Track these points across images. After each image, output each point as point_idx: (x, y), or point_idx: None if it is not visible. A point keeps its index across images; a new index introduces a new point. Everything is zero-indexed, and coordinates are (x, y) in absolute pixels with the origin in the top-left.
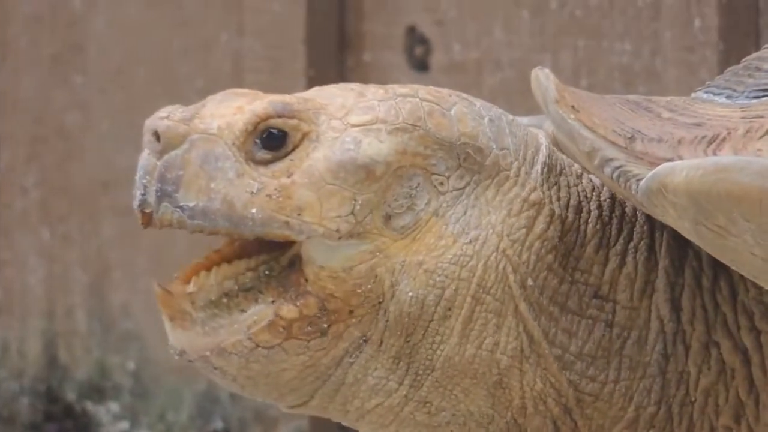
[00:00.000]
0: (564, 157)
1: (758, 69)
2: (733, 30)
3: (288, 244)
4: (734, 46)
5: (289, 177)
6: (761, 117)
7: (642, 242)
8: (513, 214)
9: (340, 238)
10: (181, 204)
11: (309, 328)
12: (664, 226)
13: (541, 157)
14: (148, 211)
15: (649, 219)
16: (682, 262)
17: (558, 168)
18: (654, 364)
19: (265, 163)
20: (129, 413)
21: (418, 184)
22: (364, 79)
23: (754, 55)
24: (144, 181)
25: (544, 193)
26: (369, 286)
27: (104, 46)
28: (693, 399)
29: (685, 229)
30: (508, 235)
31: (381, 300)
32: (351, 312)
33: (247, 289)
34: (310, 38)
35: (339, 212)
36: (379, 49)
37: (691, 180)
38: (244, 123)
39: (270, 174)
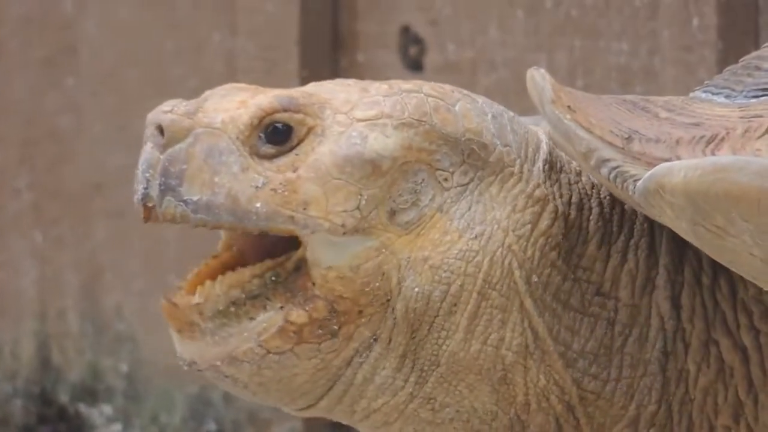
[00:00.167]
0: (563, 154)
1: (757, 68)
2: (732, 29)
3: (291, 247)
4: (733, 45)
5: (294, 171)
6: (760, 116)
7: (642, 239)
8: (518, 210)
9: (345, 233)
10: (184, 198)
11: (319, 331)
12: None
13: (542, 154)
14: (150, 205)
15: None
16: (681, 260)
17: (558, 165)
18: (654, 361)
19: (270, 157)
20: (122, 415)
21: (423, 179)
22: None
23: (753, 54)
24: (147, 174)
25: (547, 189)
26: (377, 284)
27: (96, 48)
28: (692, 397)
29: (683, 230)
30: (513, 231)
31: (389, 297)
32: (360, 312)
33: (255, 296)
34: (303, 38)
35: (345, 207)
36: (372, 49)
37: (689, 180)
38: (249, 117)
39: (275, 168)
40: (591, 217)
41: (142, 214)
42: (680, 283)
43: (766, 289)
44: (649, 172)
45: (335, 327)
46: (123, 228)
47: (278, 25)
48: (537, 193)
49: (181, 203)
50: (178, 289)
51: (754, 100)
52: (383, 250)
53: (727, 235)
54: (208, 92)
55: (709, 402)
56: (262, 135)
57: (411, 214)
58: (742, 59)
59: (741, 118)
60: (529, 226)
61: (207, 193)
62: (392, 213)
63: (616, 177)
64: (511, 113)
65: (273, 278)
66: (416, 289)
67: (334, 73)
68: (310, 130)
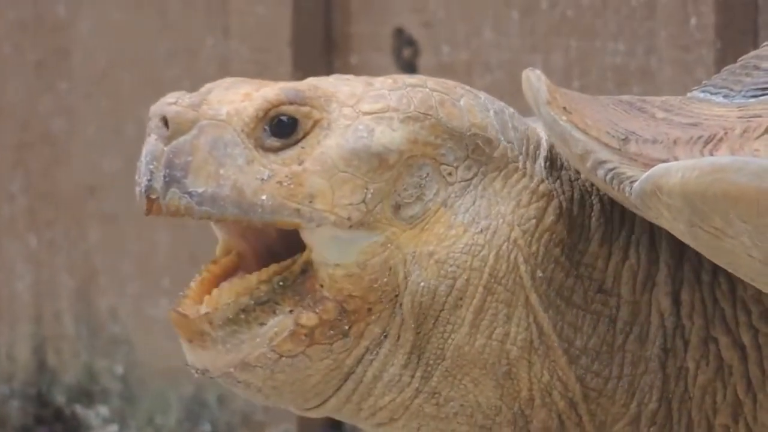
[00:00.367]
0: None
1: (756, 68)
2: (730, 28)
3: (292, 248)
4: (731, 45)
5: (300, 164)
6: (759, 116)
7: (643, 236)
8: (522, 205)
9: (351, 226)
10: (189, 190)
11: (331, 332)
12: None
13: (543, 151)
14: (153, 197)
15: None
16: (681, 257)
17: (559, 163)
18: (655, 359)
19: (275, 150)
20: (118, 417)
21: (428, 174)
22: None
23: (752, 53)
24: (151, 166)
25: (550, 185)
26: (385, 280)
27: (89, 51)
28: (691, 395)
29: (680, 232)
30: (518, 225)
31: (397, 293)
32: (370, 309)
33: (264, 302)
34: (296, 40)
35: (351, 200)
36: (366, 51)
37: (687, 181)
38: (254, 109)
39: (280, 161)
40: (593, 214)
41: (144, 206)
42: (680, 279)
43: (764, 290)
44: (646, 174)
45: (346, 327)
46: (117, 231)
47: (271, 27)
48: (541, 188)
49: (186, 195)
50: (184, 298)
51: (752, 100)
52: (389, 245)
53: (725, 236)
54: (210, 85)
55: (708, 400)
56: (267, 128)
57: (415, 208)
58: (740, 59)
59: (739, 118)
60: (534, 221)
61: (212, 186)
62: (397, 207)
63: (612, 179)
64: (512, 110)
65: (280, 283)
66: (422, 284)
67: (328, 75)
68: (316, 123)
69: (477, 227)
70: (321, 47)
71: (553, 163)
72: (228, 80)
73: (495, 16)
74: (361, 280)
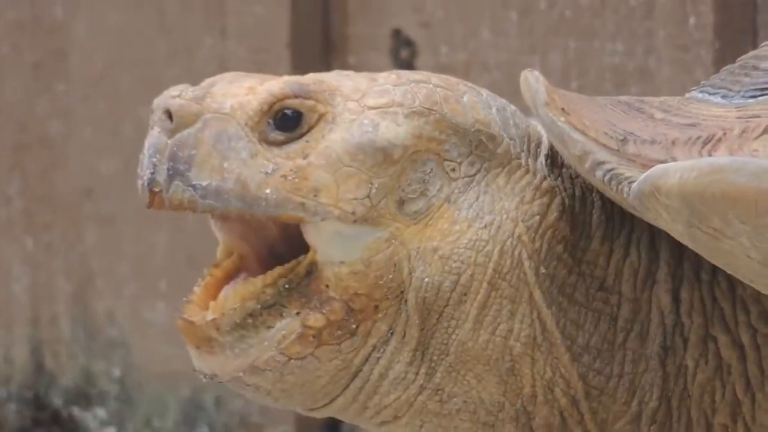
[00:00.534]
0: None
1: (755, 68)
2: (729, 28)
3: (295, 248)
4: (730, 45)
5: (304, 158)
6: (758, 117)
7: (644, 234)
8: (526, 201)
9: (355, 221)
10: (193, 183)
11: (338, 332)
12: None
13: (544, 149)
14: (156, 190)
15: None
16: (681, 255)
17: (559, 161)
18: (655, 356)
19: (279, 144)
20: (115, 419)
21: (431, 169)
22: None
23: (751, 53)
24: (154, 159)
25: (552, 182)
26: (390, 276)
27: (87, 52)
28: (690, 394)
29: (679, 233)
30: (522, 221)
31: (402, 289)
32: (376, 307)
33: (270, 305)
34: (294, 41)
35: (356, 195)
36: (364, 52)
37: (685, 182)
38: (259, 103)
39: (284, 155)
40: (594, 212)
41: (146, 199)
42: (680, 277)
43: (763, 291)
44: (644, 174)
45: (353, 326)
46: (114, 233)
47: (269, 28)
48: (544, 185)
49: (190, 188)
50: (188, 303)
51: (751, 101)
52: (393, 241)
53: (723, 237)
54: (212, 79)
55: (707, 399)
56: (271, 121)
57: (419, 203)
58: (739, 59)
59: (738, 118)
60: (537, 217)
61: (216, 179)
62: (401, 202)
63: (610, 179)
64: (513, 107)
65: (286, 285)
66: (426, 280)
67: None
68: (320, 117)
69: (481, 223)
70: (319, 48)
71: (554, 160)
72: (230, 74)
73: (493, 17)
74: (366, 278)
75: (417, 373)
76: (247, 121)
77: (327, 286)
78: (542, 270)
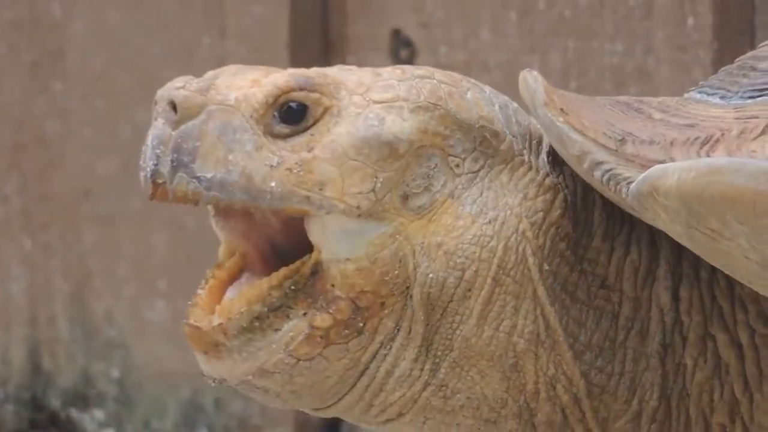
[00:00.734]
0: None
1: (753, 69)
2: (728, 28)
3: (299, 247)
4: (728, 45)
5: (309, 151)
6: (756, 117)
7: (644, 232)
8: (529, 197)
9: (359, 215)
10: (197, 175)
11: (346, 331)
12: None
13: (545, 146)
14: (160, 181)
15: None
16: (681, 254)
17: (561, 158)
18: (654, 355)
19: (284, 137)
20: (114, 421)
21: (436, 164)
22: None
23: (749, 54)
24: (157, 151)
25: (555, 179)
26: (396, 272)
27: (85, 52)
28: (689, 392)
29: (677, 233)
30: (527, 217)
31: (408, 285)
32: (383, 304)
33: (277, 307)
34: (293, 41)
35: (361, 189)
36: (363, 52)
37: (684, 182)
38: (264, 95)
39: (289, 148)
40: (595, 210)
41: (149, 191)
42: (679, 275)
43: (761, 292)
44: (643, 175)
45: (360, 324)
46: (112, 234)
47: (268, 28)
48: (547, 182)
49: (194, 180)
50: (193, 307)
51: (749, 101)
52: (398, 236)
53: (722, 238)
54: (215, 71)
55: (705, 398)
56: (276, 114)
57: (423, 198)
58: (737, 59)
59: (736, 119)
60: (541, 213)
61: (221, 171)
62: (405, 197)
63: (609, 180)
64: (515, 104)
65: (292, 287)
66: (430, 275)
67: None
68: (326, 110)
69: (485, 218)
70: (318, 48)
71: (556, 158)
72: (233, 67)
73: (492, 17)
74: (372, 274)
75: (422, 370)
76: (252, 114)
77: (333, 285)
78: (545, 267)
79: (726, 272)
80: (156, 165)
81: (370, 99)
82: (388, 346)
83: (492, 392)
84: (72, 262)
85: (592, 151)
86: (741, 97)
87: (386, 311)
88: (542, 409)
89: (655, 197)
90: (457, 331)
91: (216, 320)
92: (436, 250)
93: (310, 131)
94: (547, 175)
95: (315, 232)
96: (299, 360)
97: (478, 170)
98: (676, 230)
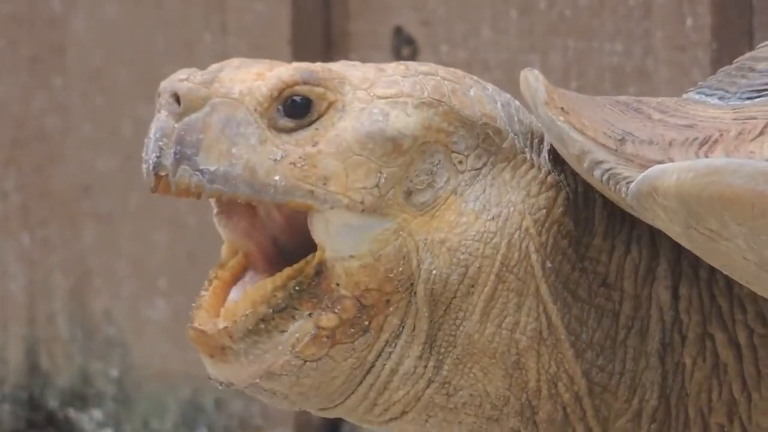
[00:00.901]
0: None
1: (752, 69)
2: (726, 29)
3: (302, 247)
4: (727, 46)
5: (314, 146)
6: (754, 118)
7: (644, 230)
8: (532, 194)
9: (363, 210)
10: (201, 167)
11: (351, 330)
12: None
13: (546, 145)
14: (163, 174)
15: None
16: (680, 253)
17: (561, 157)
18: (654, 353)
19: (288, 131)
20: (112, 420)
21: (439, 161)
22: None
23: (747, 55)
24: (160, 143)
25: (557, 177)
26: (400, 269)
27: (85, 47)
28: (688, 392)
29: (676, 233)
30: (530, 214)
31: (412, 281)
32: (388, 301)
33: (282, 309)
34: (295, 38)
35: (365, 184)
36: (365, 50)
37: (682, 182)
38: (268, 89)
39: (293, 142)
40: (596, 208)
41: (152, 183)
42: (679, 274)
43: (759, 293)
44: (642, 174)
45: (366, 322)
46: (111, 231)
47: (269, 25)
48: (549, 179)
49: (197, 173)
50: (197, 310)
51: (748, 102)
52: (401, 233)
53: (720, 238)
54: (219, 64)
55: (704, 398)
56: (280, 108)
57: (426, 195)
58: (736, 60)
59: (735, 119)
60: (544, 211)
61: (224, 164)
62: (408, 193)
63: (609, 179)
64: (517, 103)
65: (296, 287)
66: (434, 272)
67: None
68: (330, 105)
69: (488, 215)
70: (320, 45)
71: (557, 156)
72: (237, 60)
73: (493, 16)
74: (376, 271)
75: (426, 367)
76: (256, 107)
77: (338, 284)
78: (548, 264)
79: (725, 272)
80: (159, 157)
81: (374, 94)
82: (393, 344)
83: (494, 389)
84: (71, 260)
85: (592, 151)
86: (739, 98)
87: (391, 308)
88: (544, 406)
89: (655, 197)
90: (461, 328)
91: (221, 323)
92: (439, 247)
93: (314, 126)
94: (549, 173)
95: (318, 230)
96: (306, 361)
97: (481, 167)
98: (674, 230)
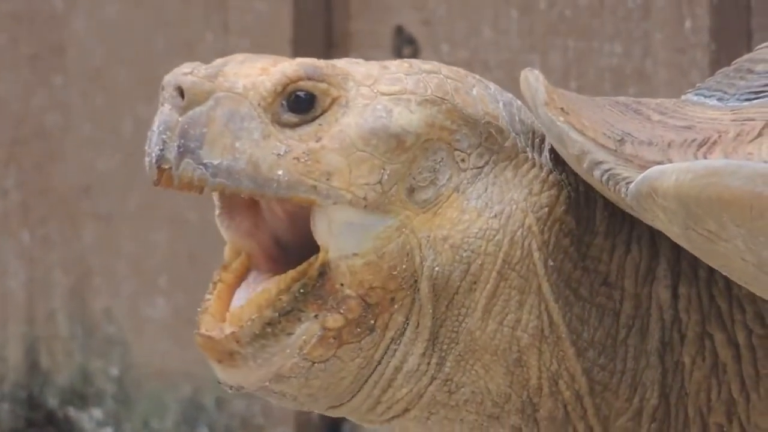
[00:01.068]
0: None
1: (750, 71)
2: (725, 31)
3: (304, 247)
4: (726, 47)
5: (317, 141)
6: (752, 120)
7: (645, 230)
8: (534, 193)
9: (366, 206)
10: (204, 161)
11: (357, 330)
12: None
13: (547, 144)
14: (166, 167)
15: None
16: (680, 252)
17: (562, 157)
18: (654, 352)
19: (292, 126)
20: (112, 420)
21: (442, 158)
22: None
23: (745, 56)
24: (164, 136)
25: (559, 176)
26: (404, 266)
27: (85, 46)
28: (687, 391)
29: (675, 234)
30: (532, 212)
31: (416, 278)
32: (392, 299)
33: (288, 312)
34: (296, 38)
35: (368, 180)
36: (366, 49)
37: (681, 183)
38: (272, 84)
39: (297, 137)
40: (597, 208)
41: (154, 176)
42: (678, 273)
43: (758, 294)
44: (642, 175)
45: (371, 321)
46: (111, 230)
47: (271, 24)
48: (551, 178)
49: (201, 166)
50: (203, 314)
51: (746, 103)
52: (404, 230)
53: (719, 239)
54: (223, 59)
55: (703, 397)
56: (284, 103)
57: (429, 192)
58: (734, 62)
59: (733, 121)
60: (546, 209)
61: (228, 158)
62: (411, 190)
63: (608, 179)
64: (519, 102)
65: (301, 290)
66: (436, 269)
67: None
68: (334, 100)
69: (491, 212)
70: (321, 45)
71: (558, 156)
72: (241, 55)
73: (494, 16)
74: (380, 269)
75: (429, 364)
76: (260, 102)
77: (342, 284)
78: (550, 263)
79: (723, 273)
80: (162, 150)
81: (378, 91)
82: (398, 341)
83: (496, 387)
84: (71, 258)
85: (592, 151)
86: (738, 100)
87: (396, 306)
88: (545, 404)
89: (654, 198)
90: (463, 325)
91: (228, 329)
92: (442, 244)
93: (318, 121)
94: (551, 171)
95: (321, 231)
96: (314, 362)
97: (483, 166)
98: (673, 231)
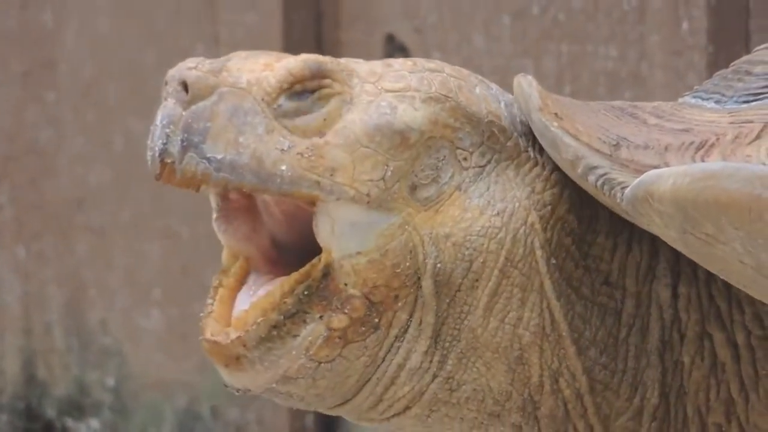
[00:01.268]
0: None
1: (748, 73)
2: (723, 33)
3: (303, 248)
4: (723, 49)
5: (321, 137)
6: (751, 122)
7: (645, 230)
8: (537, 191)
9: (369, 202)
10: (207, 155)
11: (362, 328)
12: None
13: None
14: (169, 161)
15: None
16: (679, 253)
17: None
18: (654, 351)
19: (295, 121)
20: (109, 430)
21: (444, 156)
22: None
23: (744, 58)
24: (167, 130)
25: (561, 175)
26: (407, 264)
27: (76, 61)
28: (686, 390)
29: (672, 238)
30: (535, 210)
31: (419, 276)
32: (396, 297)
33: (293, 314)
34: (286, 49)
35: (371, 176)
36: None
37: (678, 187)
38: (276, 79)
39: (301, 133)
40: (599, 208)
41: (157, 170)
42: (678, 273)
43: (756, 297)
44: (638, 180)
45: (376, 320)
46: (105, 243)
47: (261, 36)
48: (553, 177)
49: (204, 161)
50: (207, 318)
51: (744, 106)
52: (406, 227)
53: (717, 243)
54: (227, 55)
55: (702, 397)
56: (288, 98)
57: (431, 190)
58: (732, 63)
59: (731, 123)
60: (549, 207)
61: (231, 153)
62: (413, 188)
63: (603, 184)
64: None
65: (305, 292)
66: (439, 266)
67: None
68: (338, 96)
69: (493, 210)
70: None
71: None
72: (244, 52)
73: (486, 21)
74: (384, 267)
75: (431, 361)
76: (264, 97)
77: (346, 284)
78: (552, 261)
79: (722, 277)
80: (165, 144)
81: (382, 88)
82: (402, 339)
83: (497, 384)
84: (66, 272)
85: (586, 156)
86: (736, 102)
87: (399, 304)
88: (546, 402)
89: (650, 202)
90: (465, 322)
91: (233, 333)
92: (444, 241)
93: (322, 117)
94: (553, 171)
95: (324, 232)
96: (320, 363)
97: (485, 165)
98: (670, 235)
